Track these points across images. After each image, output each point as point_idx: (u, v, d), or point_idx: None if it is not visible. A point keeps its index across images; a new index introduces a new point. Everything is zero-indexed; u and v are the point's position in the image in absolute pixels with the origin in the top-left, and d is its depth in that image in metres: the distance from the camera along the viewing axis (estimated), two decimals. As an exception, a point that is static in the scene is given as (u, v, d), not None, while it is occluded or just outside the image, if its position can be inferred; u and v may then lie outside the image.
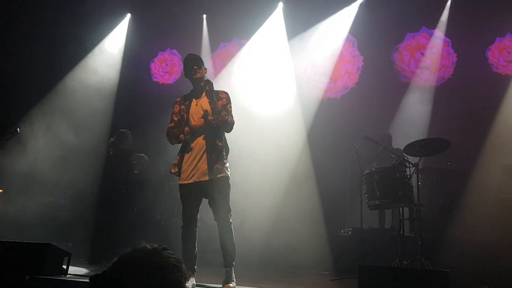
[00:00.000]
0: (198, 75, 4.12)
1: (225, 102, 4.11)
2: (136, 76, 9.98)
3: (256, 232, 6.51)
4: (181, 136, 4.08)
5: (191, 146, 4.04)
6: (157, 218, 7.58)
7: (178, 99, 4.28)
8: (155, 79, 10.33)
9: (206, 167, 3.96)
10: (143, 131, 7.83)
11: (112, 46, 9.91)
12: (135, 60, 9.99)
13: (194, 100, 4.16)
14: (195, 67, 4.13)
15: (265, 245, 6.21)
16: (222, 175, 4.01)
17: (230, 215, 4.04)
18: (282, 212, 6.96)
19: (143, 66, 10.28)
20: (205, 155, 3.98)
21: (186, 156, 4.05)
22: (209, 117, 4.02)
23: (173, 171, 4.12)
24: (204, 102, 4.11)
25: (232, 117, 4.05)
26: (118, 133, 6.61)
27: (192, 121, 4.08)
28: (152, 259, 1.33)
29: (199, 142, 4.02)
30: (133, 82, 9.82)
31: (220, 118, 3.96)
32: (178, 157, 4.13)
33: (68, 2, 9.08)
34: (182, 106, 4.19)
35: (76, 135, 7.71)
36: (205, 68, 4.25)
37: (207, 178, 3.96)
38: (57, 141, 7.60)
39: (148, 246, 1.36)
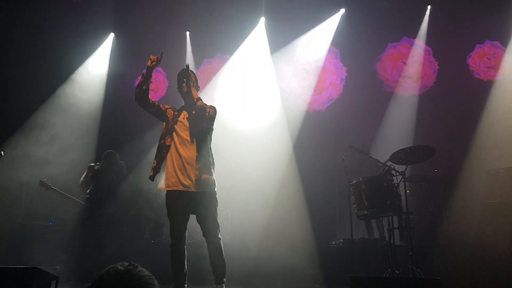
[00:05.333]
0: (185, 89, 4.15)
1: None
2: (120, 94, 9.91)
3: (246, 247, 6.46)
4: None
5: (177, 155, 4.02)
6: (146, 236, 7.48)
7: (172, 106, 4.34)
8: (140, 97, 10.24)
9: (192, 178, 3.94)
10: (128, 150, 7.77)
11: (96, 66, 9.86)
12: (119, 79, 9.92)
13: (184, 112, 4.21)
14: (184, 79, 4.18)
15: (255, 259, 6.16)
16: (209, 189, 3.99)
17: (219, 231, 4.01)
18: (271, 226, 6.93)
19: (128, 84, 10.21)
20: (190, 164, 3.97)
21: (171, 163, 4.03)
22: (196, 126, 4.05)
23: (151, 174, 4.10)
24: (192, 115, 4.13)
25: (213, 111, 4.13)
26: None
27: (179, 129, 4.10)
28: (127, 280, 1.31)
29: (185, 152, 4.01)
30: (118, 101, 9.75)
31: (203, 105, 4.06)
32: (155, 161, 4.11)
33: (51, 22, 9.02)
34: (171, 111, 4.24)
35: (61, 156, 7.62)
36: (195, 83, 4.30)
37: (193, 189, 3.93)
38: (42, 162, 7.49)
39: (120, 267, 1.34)
